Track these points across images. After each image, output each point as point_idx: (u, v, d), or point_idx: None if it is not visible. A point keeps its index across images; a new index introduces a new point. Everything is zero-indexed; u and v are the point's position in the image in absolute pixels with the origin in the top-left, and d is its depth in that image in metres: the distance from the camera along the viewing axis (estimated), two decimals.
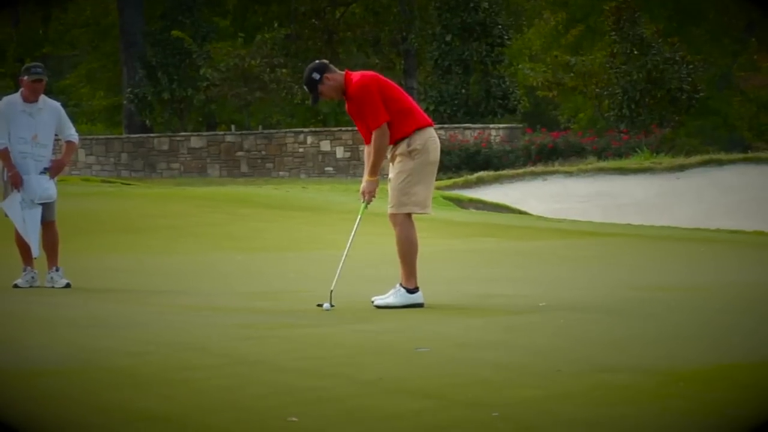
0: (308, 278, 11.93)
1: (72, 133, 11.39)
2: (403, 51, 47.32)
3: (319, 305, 8.84)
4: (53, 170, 11.23)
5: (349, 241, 9.22)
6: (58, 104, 11.40)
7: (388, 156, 9.17)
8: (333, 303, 8.82)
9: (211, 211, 20.07)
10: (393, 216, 9.04)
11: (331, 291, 8.89)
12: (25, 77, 11.14)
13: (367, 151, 9.13)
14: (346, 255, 9.20)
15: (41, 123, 11.14)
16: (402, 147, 9.01)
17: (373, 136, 9.00)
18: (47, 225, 11.24)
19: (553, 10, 54.54)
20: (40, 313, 9.02)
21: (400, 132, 9.01)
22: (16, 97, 11.23)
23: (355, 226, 9.25)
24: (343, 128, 38.35)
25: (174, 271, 12.95)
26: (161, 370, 6.32)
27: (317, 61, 9.21)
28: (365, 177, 9.11)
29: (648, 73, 37.42)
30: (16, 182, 11.07)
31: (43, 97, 11.23)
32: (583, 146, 34.98)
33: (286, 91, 40.86)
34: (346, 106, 9.23)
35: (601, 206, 26.63)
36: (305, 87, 9.16)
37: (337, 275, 9.06)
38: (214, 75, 40.51)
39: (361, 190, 9.15)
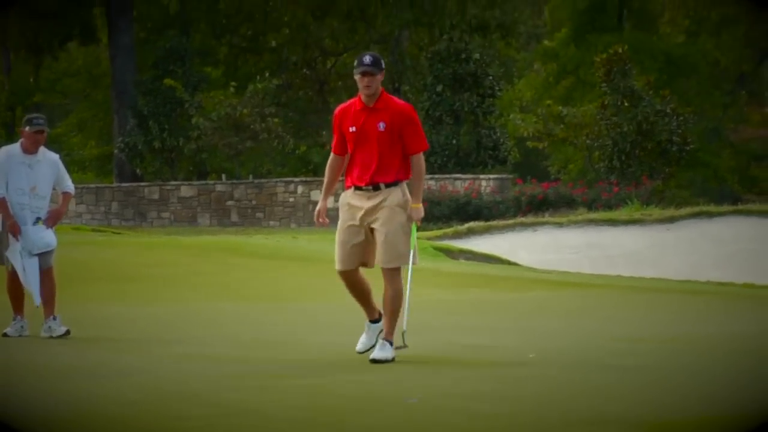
0: (299, 329, 12.00)
1: (69, 184, 11.46)
2: None
3: (398, 347, 8.77)
4: (51, 220, 11.27)
5: (409, 274, 8.95)
6: (56, 156, 11.42)
7: (365, 197, 8.81)
8: (406, 343, 8.81)
9: (202, 260, 20.13)
10: (395, 271, 8.80)
11: (404, 332, 8.83)
12: (27, 128, 11.14)
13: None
14: (410, 289, 8.93)
15: (40, 175, 11.18)
16: (396, 195, 8.82)
17: (419, 160, 8.81)
18: (44, 272, 11.20)
19: (543, 61, 54.89)
20: (32, 362, 9.07)
21: (402, 173, 8.88)
22: (15, 147, 11.24)
23: (412, 257, 9.09)
24: None
25: (165, 320, 13.01)
26: (154, 419, 6.39)
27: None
28: (412, 204, 8.84)
29: (638, 125, 37.62)
30: (15, 231, 11.09)
31: (42, 149, 11.26)
32: (573, 197, 35.12)
33: (277, 140, 41.03)
34: (366, 120, 8.80)
35: (591, 257, 26.71)
36: (368, 61, 8.75)
37: (405, 314, 8.87)
38: (206, 124, 40.63)
39: (409, 216, 8.84)
